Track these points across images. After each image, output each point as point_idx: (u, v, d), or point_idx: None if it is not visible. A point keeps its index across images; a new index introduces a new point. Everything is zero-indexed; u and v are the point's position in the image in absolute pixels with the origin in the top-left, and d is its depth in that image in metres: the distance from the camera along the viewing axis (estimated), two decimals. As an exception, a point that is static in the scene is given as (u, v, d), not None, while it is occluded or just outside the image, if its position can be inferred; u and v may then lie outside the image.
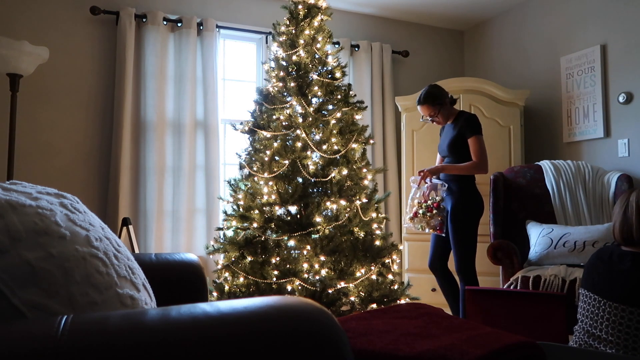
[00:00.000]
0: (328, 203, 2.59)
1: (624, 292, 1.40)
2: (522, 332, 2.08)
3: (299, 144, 2.62)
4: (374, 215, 2.70)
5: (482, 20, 4.53)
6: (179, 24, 3.58)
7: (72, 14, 3.40)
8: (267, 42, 3.85)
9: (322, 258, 2.49)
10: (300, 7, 2.81)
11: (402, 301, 2.61)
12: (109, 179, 3.36)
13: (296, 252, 2.55)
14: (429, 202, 2.71)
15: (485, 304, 2.20)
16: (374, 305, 2.52)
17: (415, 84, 4.46)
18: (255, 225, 2.56)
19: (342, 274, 2.50)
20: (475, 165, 2.67)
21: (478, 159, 2.67)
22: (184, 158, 3.49)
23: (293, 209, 2.62)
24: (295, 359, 0.59)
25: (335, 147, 2.65)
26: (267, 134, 2.67)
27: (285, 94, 2.78)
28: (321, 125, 2.70)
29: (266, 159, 2.63)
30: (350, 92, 2.83)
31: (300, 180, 2.64)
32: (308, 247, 2.50)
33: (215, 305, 0.66)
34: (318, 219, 2.52)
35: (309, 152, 2.64)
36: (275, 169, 2.60)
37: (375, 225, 2.70)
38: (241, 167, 2.75)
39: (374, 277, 2.60)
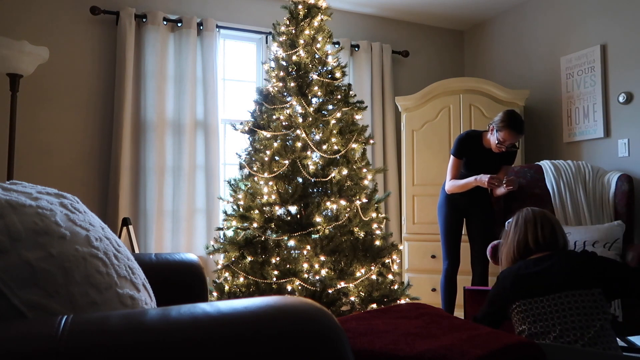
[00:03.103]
0: (328, 203, 2.59)
1: (563, 280, 1.55)
2: (522, 332, 2.07)
3: (299, 144, 2.62)
4: (374, 215, 2.70)
5: (482, 20, 4.54)
6: (179, 24, 3.58)
7: (72, 14, 3.40)
8: (267, 42, 3.85)
9: (322, 258, 2.49)
10: (300, 7, 2.81)
11: (402, 301, 2.61)
12: (109, 179, 3.36)
13: (296, 252, 2.55)
14: None
15: (485, 304, 2.19)
16: (374, 305, 2.52)
17: (415, 84, 4.46)
18: (255, 225, 2.56)
19: (342, 274, 2.50)
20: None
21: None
22: (184, 158, 3.49)
23: (293, 209, 2.62)
24: (295, 359, 0.59)
25: (335, 147, 2.65)
26: (267, 134, 2.67)
27: (285, 94, 2.78)
28: (321, 125, 2.70)
29: (266, 159, 2.63)
30: (350, 92, 2.83)
31: (300, 180, 2.64)
32: (308, 247, 2.50)
33: (215, 305, 0.66)
34: (318, 219, 2.52)
35: (309, 152, 2.64)
36: (275, 169, 2.60)
37: (375, 225, 2.70)
38: (241, 167, 2.75)
39: (374, 277, 2.60)
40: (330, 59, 2.83)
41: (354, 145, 2.71)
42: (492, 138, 2.76)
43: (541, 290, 1.56)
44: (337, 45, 4.04)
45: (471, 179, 2.79)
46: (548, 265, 1.60)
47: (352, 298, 2.53)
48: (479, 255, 2.92)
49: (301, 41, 2.76)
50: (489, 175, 2.69)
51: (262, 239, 2.58)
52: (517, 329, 1.60)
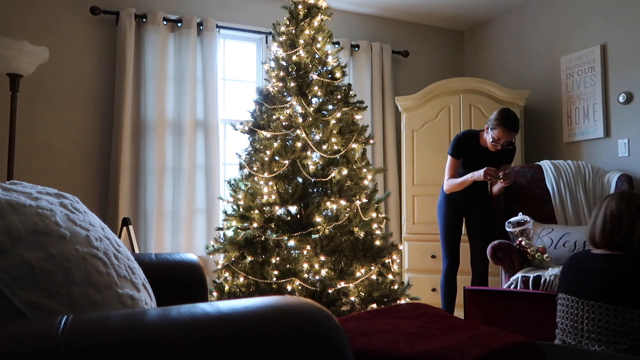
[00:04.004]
0: (328, 203, 2.59)
1: (599, 291, 1.48)
2: (522, 332, 2.08)
3: (299, 144, 2.62)
4: (374, 215, 2.70)
5: (482, 21, 4.53)
6: (179, 24, 3.58)
7: (72, 14, 3.40)
8: (267, 42, 3.85)
9: (322, 258, 2.48)
10: (300, 7, 2.81)
11: (402, 301, 2.61)
12: (109, 179, 3.36)
13: (296, 252, 2.55)
14: (531, 248, 2.90)
15: (485, 304, 2.20)
16: (374, 305, 2.52)
17: (415, 84, 4.46)
18: (255, 225, 2.56)
19: (342, 274, 2.50)
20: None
21: None
22: (184, 158, 3.49)
23: (293, 209, 2.62)
24: (295, 359, 0.59)
25: (335, 147, 2.65)
26: (267, 134, 2.67)
27: (285, 94, 2.77)
28: (321, 125, 2.70)
29: (266, 159, 2.63)
30: (350, 92, 2.83)
31: (300, 180, 2.64)
32: (308, 247, 2.50)
33: (215, 305, 0.66)
34: (318, 219, 2.52)
35: (309, 152, 2.64)
36: (275, 169, 2.60)
37: (375, 225, 2.70)
38: (241, 167, 2.75)
39: (374, 277, 2.60)
40: (330, 59, 2.83)
41: (354, 145, 2.71)
42: (488, 137, 2.77)
43: (581, 292, 1.51)
44: (337, 45, 4.04)
45: (468, 176, 2.80)
46: (599, 268, 1.52)
47: (352, 298, 2.53)
48: (479, 255, 2.92)
49: (301, 41, 2.76)
50: (485, 168, 2.70)
51: (262, 239, 2.57)
52: (556, 317, 1.61)
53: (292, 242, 2.54)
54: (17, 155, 3.17)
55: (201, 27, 3.64)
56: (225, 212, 2.71)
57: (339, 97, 2.77)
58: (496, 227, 3.20)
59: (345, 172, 2.64)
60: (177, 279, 1.44)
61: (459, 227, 2.96)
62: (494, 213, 3.04)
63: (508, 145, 2.77)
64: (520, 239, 2.92)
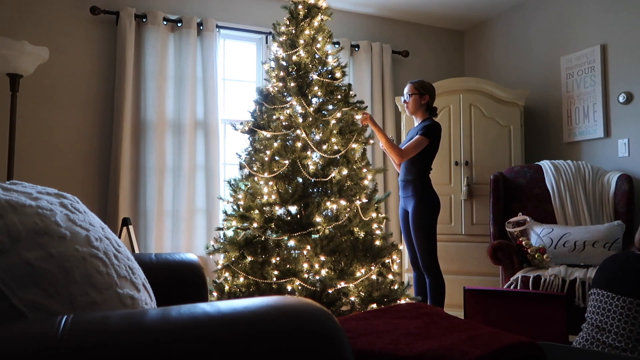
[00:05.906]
0: (328, 203, 2.58)
1: (637, 287, 1.49)
2: (522, 332, 2.08)
3: (299, 144, 2.62)
4: (374, 215, 2.70)
5: (482, 20, 4.53)
6: (179, 24, 3.58)
7: (72, 14, 3.40)
8: (267, 42, 3.86)
9: (322, 258, 2.48)
10: (300, 7, 2.81)
11: (402, 301, 2.61)
12: (109, 179, 3.36)
13: (296, 252, 2.55)
14: (531, 248, 2.90)
15: (485, 304, 2.20)
16: (374, 305, 2.52)
17: (415, 84, 4.46)
18: (255, 225, 2.56)
19: (342, 274, 2.50)
20: (398, 152, 2.85)
21: (405, 149, 2.86)
22: (184, 158, 3.49)
23: (293, 209, 2.62)
24: (295, 359, 0.59)
25: (335, 147, 2.65)
26: (267, 134, 2.67)
27: (285, 94, 2.77)
28: (321, 125, 2.70)
29: (266, 159, 2.63)
30: (350, 92, 2.83)
31: (300, 180, 2.64)
32: (308, 247, 2.50)
33: (215, 305, 0.66)
34: (318, 219, 2.51)
35: (309, 152, 2.64)
36: (275, 169, 2.60)
37: (375, 225, 2.70)
38: (241, 167, 2.75)
39: (374, 277, 2.59)
40: (330, 59, 2.82)
41: (354, 145, 2.71)
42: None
43: (617, 288, 1.53)
44: (337, 45, 4.04)
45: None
46: (638, 267, 1.56)
47: (352, 298, 2.52)
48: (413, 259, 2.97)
49: (301, 41, 2.76)
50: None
51: (262, 239, 2.57)
52: (586, 312, 1.62)
53: (292, 242, 2.54)
54: (17, 155, 3.17)
55: (201, 27, 3.64)
56: (225, 212, 2.71)
57: (339, 97, 2.76)
58: (497, 228, 3.20)
59: (345, 172, 2.64)
60: (177, 279, 1.44)
61: (405, 225, 3.00)
62: (425, 209, 2.82)
63: (407, 97, 2.98)
64: (520, 239, 2.92)
